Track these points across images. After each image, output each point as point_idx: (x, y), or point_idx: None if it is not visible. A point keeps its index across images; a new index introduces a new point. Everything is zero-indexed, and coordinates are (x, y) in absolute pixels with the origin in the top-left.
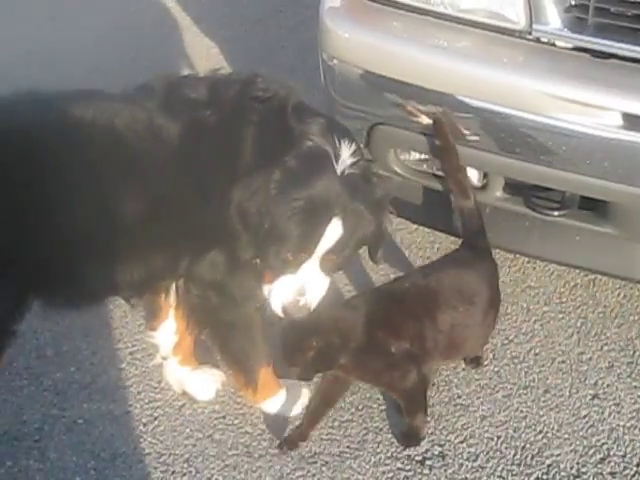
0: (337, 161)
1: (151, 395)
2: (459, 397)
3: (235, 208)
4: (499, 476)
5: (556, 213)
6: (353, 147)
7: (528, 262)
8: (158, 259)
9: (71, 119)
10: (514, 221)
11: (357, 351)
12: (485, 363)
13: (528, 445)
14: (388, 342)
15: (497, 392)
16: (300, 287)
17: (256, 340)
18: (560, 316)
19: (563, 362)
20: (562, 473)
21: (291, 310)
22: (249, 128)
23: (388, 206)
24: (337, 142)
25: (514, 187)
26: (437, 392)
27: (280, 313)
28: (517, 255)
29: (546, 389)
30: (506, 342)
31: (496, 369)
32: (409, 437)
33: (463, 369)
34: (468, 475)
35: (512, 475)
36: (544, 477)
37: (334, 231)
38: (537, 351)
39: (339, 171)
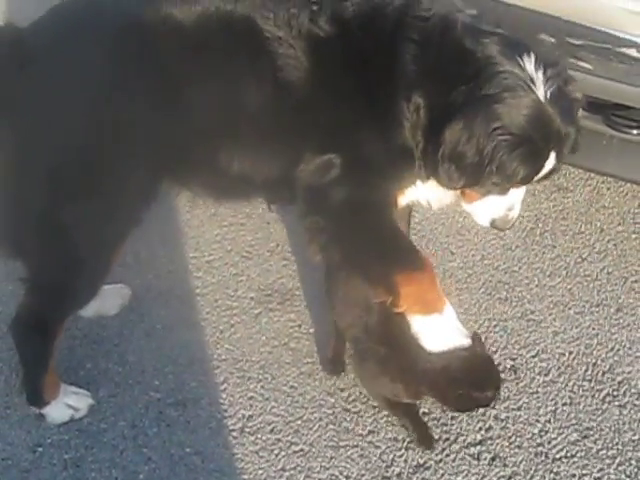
0: (535, 84)
1: (228, 303)
2: (532, 313)
3: (449, 151)
4: (570, 391)
5: (635, 132)
6: (534, 58)
7: (602, 182)
8: (283, 154)
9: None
10: (591, 139)
11: None
12: (559, 280)
13: (599, 362)
14: None
15: (569, 309)
16: (510, 204)
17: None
18: (634, 236)
19: (636, 282)
20: (632, 390)
21: (501, 224)
22: (408, 45)
23: (579, 105)
24: (521, 60)
25: (593, 105)
26: (510, 307)
27: (487, 225)
28: (592, 174)
29: (618, 307)
30: (579, 260)
31: (569, 287)
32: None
33: (536, 285)
34: (539, 389)
35: (583, 390)
36: (614, 393)
37: (551, 163)
38: (610, 270)
39: (542, 96)
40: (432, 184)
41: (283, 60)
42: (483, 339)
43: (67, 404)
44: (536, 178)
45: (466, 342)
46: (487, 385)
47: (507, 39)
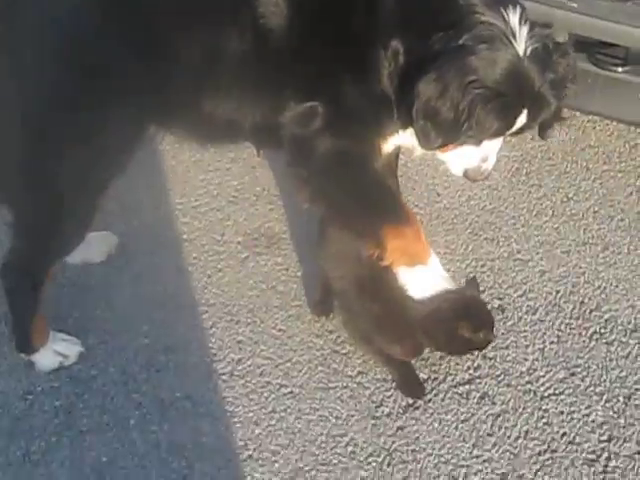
0: (515, 38)
1: (215, 248)
2: (518, 252)
3: (423, 105)
4: (557, 329)
5: (620, 69)
6: (519, 12)
7: (588, 121)
8: (265, 102)
9: None
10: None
11: None
12: (545, 219)
13: (586, 300)
14: None
15: (556, 248)
16: (484, 155)
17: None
18: (619, 175)
19: (622, 220)
20: (619, 327)
21: (473, 174)
22: None
23: (570, 82)
24: (505, 13)
25: (578, 43)
26: (497, 247)
27: (460, 175)
28: (577, 114)
29: (605, 246)
30: (565, 200)
31: (555, 226)
32: None
33: (523, 225)
34: (527, 328)
35: (570, 329)
36: (602, 331)
37: (522, 119)
38: (596, 209)
39: (522, 51)
40: (411, 132)
41: (264, 7)
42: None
43: (56, 351)
44: (508, 132)
45: (452, 287)
46: (479, 326)
47: None
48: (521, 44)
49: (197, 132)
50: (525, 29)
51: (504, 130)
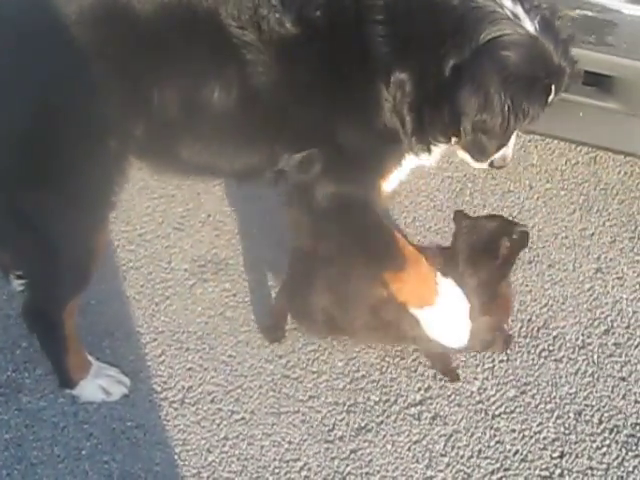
0: (520, 18)
1: (162, 275)
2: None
3: (471, 120)
4: None
5: None
6: None
7: (529, 140)
8: (248, 155)
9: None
10: None
11: None
12: None
13: (534, 318)
14: None
15: None
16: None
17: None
18: (562, 193)
19: (566, 238)
20: (568, 344)
21: (499, 162)
22: (374, 28)
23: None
24: None
25: None
26: None
27: (486, 167)
28: (519, 133)
29: (550, 264)
30: (510, 219)
31: None
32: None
33: None
34: None
35: (519, 347)
36: (550, 348)
37: (552, 96)
38: (540, 227)
39: (532, 29)
40: (432, 151)
41: (252, 67)
42: None
43: (100, 385)
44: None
45: (468, 327)
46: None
47: None
48: (526, 22)
49: (176, 170)
50: (519, 7)
51: (542, 112)
